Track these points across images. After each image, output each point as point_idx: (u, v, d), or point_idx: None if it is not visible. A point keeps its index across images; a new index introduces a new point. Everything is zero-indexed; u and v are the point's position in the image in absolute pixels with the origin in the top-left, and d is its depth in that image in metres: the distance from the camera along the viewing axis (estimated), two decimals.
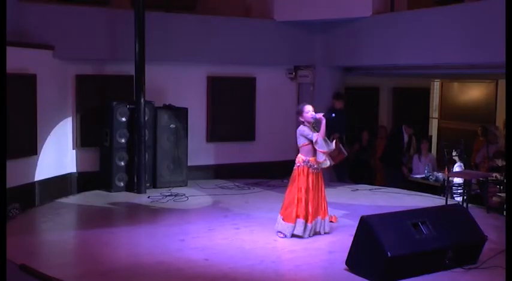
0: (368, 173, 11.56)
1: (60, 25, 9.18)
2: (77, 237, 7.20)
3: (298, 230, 6.82)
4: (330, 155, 10.69)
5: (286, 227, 6.84)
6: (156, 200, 8.86)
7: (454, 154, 9.21)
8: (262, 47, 10.82)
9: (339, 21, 10.55)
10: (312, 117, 6.85)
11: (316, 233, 6.96)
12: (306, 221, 6.83)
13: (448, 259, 5.71)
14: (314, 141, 6.77)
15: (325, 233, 7.02)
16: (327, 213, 7.10)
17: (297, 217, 6.81)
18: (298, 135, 6.92)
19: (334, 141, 6.99)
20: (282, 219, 6.91)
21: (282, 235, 6.88)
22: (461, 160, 9.31)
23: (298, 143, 6.94)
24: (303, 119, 6.92)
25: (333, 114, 7.01)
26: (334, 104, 10.89)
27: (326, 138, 6.86)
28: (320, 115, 6.82)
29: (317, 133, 6.81)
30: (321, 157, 6.88)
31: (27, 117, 8.63)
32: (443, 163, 9.27)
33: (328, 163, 7.00)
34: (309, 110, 6.88)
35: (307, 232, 6.86)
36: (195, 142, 10.40)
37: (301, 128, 6.91)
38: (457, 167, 9.43)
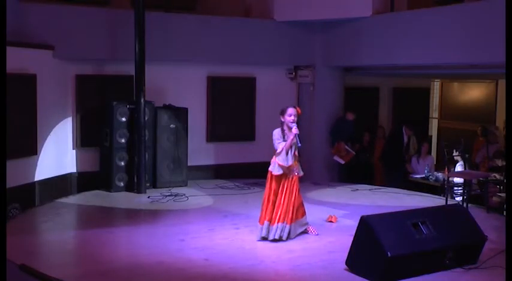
0: (368, 173, 11.54)
1: (60, 25, 9.18)
2: (77, 237, 7.20)
3: (263, 232, 6.71)
4: (339, 155, 10.76)
5: (258, 229, 6.78)
6: (156, 200, 8.86)
7: (455, 153, 9.20)
8: (262, 47, 10.82)
9: (339, 21, 10.55)
10: (291, 124, 6.60)
11: (281, 237, 6.69)
12: (270, 223, 6.68)
13: (448, 259, 5.71)
14: (277, 152, 6.62)
15: (286, 239, 6.71)
16: (293, 220, 6.76)
17: (265, 218, 6.71)
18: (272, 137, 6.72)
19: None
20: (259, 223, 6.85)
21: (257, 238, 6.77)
22: (463, 159, 9.30)
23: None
24: (283, 120, 6.68)
25: (299, 145, 6.59)
26: (347, 115, 10.96)
27: (289, 151, 6.63)
28: (295, 130, 6.55)
29: (284, 143, 6.60)
30: (282, 161, 6.64)
31: (27, 117, 8.63)
32: (444, 163, 9.27)
33: (302, 173, 6.84)
34: (291, 113, 6.61)
35: (272, 234, 6.67)
36: (195, 142, 10.40)
37: (275, 131, 6.69)
38: (458, 167, 9.43)
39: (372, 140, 11.82)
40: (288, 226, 6.73)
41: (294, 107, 6.77)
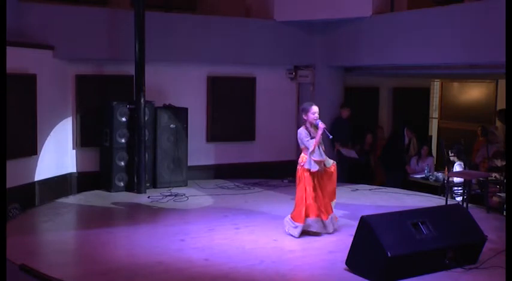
0: (368, 173, 11.51)
1: (60, 25, 9.18)
2: (77, 237, 7.21)
3: (316, 227, 6.87)
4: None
5: (294, 226, 6.86)
6: (156, 200, 8.86)
7: (450, 154, 9.20)
8: (262, 47, 10.81)
9: (339, 21, 10.55)
10: (316, 121, 6.82)
11: (335, 229, 7.05)
12: (321, 218, 6.88)
13: (448, 259, 5.71)
14: (310, 150, 6.75)
15: (334, 230, 7.08)
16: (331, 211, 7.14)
17: (307, 216, 6.83)
18: (298, 137, 6.93)
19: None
20: (291, 218, 6.95)
21: (291, 234, 6.92)
22: (459, 159, 9.28)
23: (299, 144, 6.95)
24: (306, 118, 6.91)
25: (331, 137, 6.97)
26: (341, 113, 10.98)
27: (319, 147, 6.86)
28: (322, 124, 6.78)
29: (313, 140, 6.77)
30: (318, 157, 6.84)
31: (27, 117, 8.62)
32: (443, 163, 9.26)
33: (331, 161, 7.04)
34: (315, 111, 6.87)
35: (328, 228, 6.93)
36: (195, 142, 10.40)
37: (300, 130, 6.90)
38: (456, 167, 9.42)
39: (374, 141, 11.75)
40: (327, 221, 7.04)
41: (313, 103, 7.05)
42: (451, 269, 5.71)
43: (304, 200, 6.82)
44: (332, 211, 7.10)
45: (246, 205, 8.69)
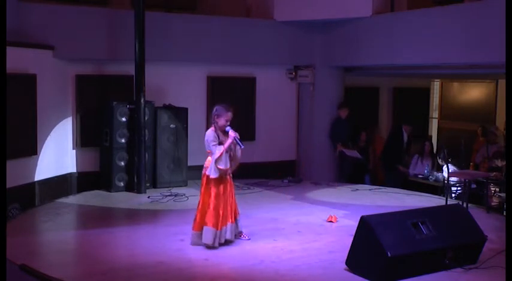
0: (366, 171, 11.48)
1: (60, 25, 9.19)
2: (77, 237, 7.20)
3: (207, 239, 6.38)
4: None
5: (191, 235, 6.55)
6: (156, 200, 8.86)
7: (439, 160, 9.16)
8: (262, 47, 10.82)
9: (339, 21, 10.56)
10: (227, 128, 6.37)
11: (228, 241, 6.54)
12: (216, 228, 6.41)
13: (448, 259, 5.71)
14: (216, 157, 6.27)
15: (235, 236, 6.65)
16: (237, 215, 6.72)
17: (205, 224, 6.43)
18: (205, 139, 6.41)
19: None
20: (192, 228, 6.59)
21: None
22: (447, 163, 9.17)
23: (206, 147, 6.45)
24: (217, 121, 6.40)
25: (242, 146, 6.47)
26: (339, 114, 10.98)
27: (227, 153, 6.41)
28: (233, 133, 6.35)
29: (221, 147, 6.30)
30: (223, 165, 6.38)
31: (27, 117, 8.62)
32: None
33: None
34: (228, 119, 6.36)
35: (217, 240, 6.43)
36: (195, 142, 10.38)
37: (209, 133, 6.38)
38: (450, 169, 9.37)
39: (369, 139, 11.68)
40: (233, 225, 6.62)
41: (230, 110, 6.46)
42: (451, 269, 5.71)
43: (206, 208, 6.44)
44: (235, 217, 6.64)
45: (246, 205, 8.67)
